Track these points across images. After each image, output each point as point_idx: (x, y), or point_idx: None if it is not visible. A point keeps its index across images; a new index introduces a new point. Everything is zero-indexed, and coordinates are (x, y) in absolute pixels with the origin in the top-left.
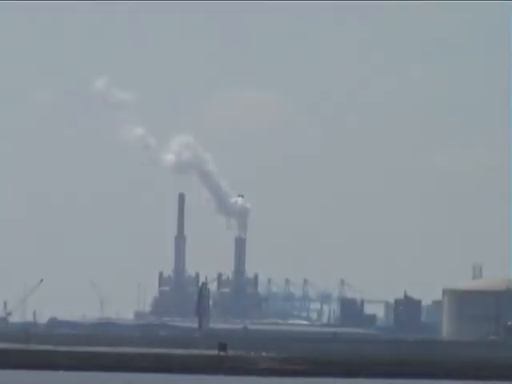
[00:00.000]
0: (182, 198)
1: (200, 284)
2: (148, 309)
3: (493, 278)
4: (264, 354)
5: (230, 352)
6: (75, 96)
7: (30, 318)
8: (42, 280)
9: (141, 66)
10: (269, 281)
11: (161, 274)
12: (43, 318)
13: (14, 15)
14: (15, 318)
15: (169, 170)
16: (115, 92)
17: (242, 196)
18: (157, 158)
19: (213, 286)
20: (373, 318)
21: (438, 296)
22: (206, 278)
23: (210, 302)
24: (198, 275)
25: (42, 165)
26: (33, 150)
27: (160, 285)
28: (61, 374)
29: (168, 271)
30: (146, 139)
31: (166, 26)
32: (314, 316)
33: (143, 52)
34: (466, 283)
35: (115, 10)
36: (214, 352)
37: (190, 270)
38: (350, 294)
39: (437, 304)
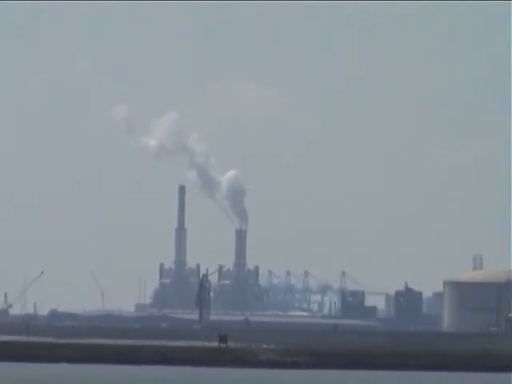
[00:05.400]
0: (182, 189)
1: (201, 276)
2: (149, 301)
3: (493, 270)
4: (265, 345)
5: (231, 344)
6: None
7: (30, 310)
8: (42, 272)
9: (141, 57)
10: (269, 273)
11: (161, 266)
12: (44, 310)
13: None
14: (16, 310)
15: (167, 156)
16: (121, 86)
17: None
18: (156, 146)
19: (213, 278)
20: (373, 309)
21: (439, 288)
22: (207, 270)
23: (211, 294)
24: (198, 267)
25: (39, 155)
26: (26, 140)
27: (161, 277)
28: (63, 366)
29: (169, 263)
30: (143, 126)
31: (168, 20)
32: (315, 308)
33: (145, 43)
34: (467, 275)
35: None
36: (215, 344)
37: (191, 262)
38: (350, 286)
39: (437, 296)
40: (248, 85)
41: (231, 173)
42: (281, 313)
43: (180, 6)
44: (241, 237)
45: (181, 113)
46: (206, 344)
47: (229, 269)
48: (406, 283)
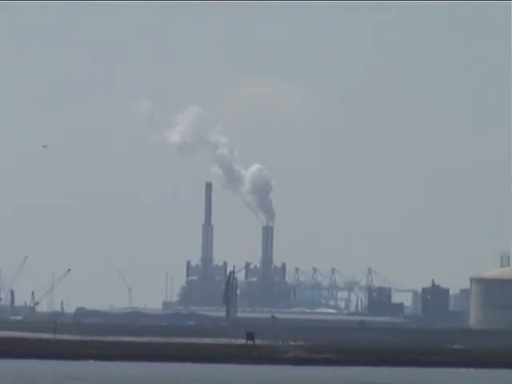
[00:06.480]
0: (208, 186)
1: (228, 273)
2: (175, 298)
3: None
4: (292, 342)
5: (258, 341)
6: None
7: (57, 307)
8: (69, 270)
9: (164, 52)
10: (296, 270)
11: (188, 264)
12: (71, 308)
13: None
14: (43, 308)
15: (191, 150)
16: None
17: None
18: (179, 141)
19: (240, 275)
20: (400, 306)
21: (466, 284)
22: (234, 267)
23: (238, 291)
24: (225, 264)
25: (62, 153)
26: (49, 137)
27: (188, 274)
28: (89, 363)
29: (196, 260)
30: (165, 121)
31: (192, 16)
32: (342, 305)
33: (169, 38)
34: (494, 271)
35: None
36: (242, 341)
37: (218, 259)
38: (377, 283)
39: (464, 292)
40: (270, 80)
41: (255, 167)
42: (307, 310)
43: (206, 4)
44: (268, 234)
45: (203, 107)
46: (233, 341)
47: (256, 266)
48: (432, 280)
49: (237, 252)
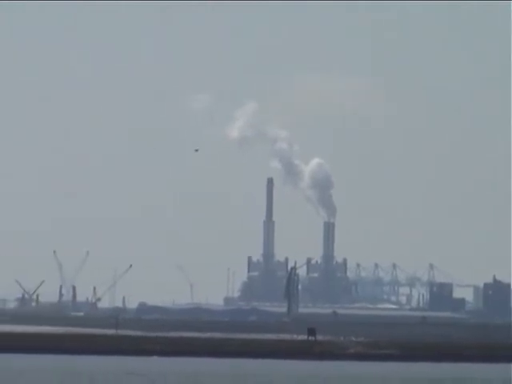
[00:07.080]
0: (270, 182)
1: (289, 269)
2: (237, 294)
3: None
4: (353, 338)
5: (320, 337)
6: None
7: (119, 303)
8: (131, 265)
9: (221, 47)
10: (358, 265)
11: (250, 259)
12: (133, 304)
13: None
14: (105, 304)
15: (250, 145)
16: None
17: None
18: (239, 136)
19: (302, 271)
20: (462, 301)
21: None
22: (295, 263)
23: (299, 287)
24: (287, 260)
25: (122, 150)
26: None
27: (249, 270)
28: (153, 359)
29: (257, 256)
30: (224, 116)
31: (249, 13)
32: (403, 300)
33: (226, 34)
34: None
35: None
36: (304, 337)
37: (279, 255)
38: (439, 278)
39: None
40: (328, 74)
41: (315, 161)
42: (369, 305)
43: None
44: (329, 229)
45: (262, 102)
46: (295, 337)
47: (317, 262)
48: (494, 275)
49: (298, 248)
